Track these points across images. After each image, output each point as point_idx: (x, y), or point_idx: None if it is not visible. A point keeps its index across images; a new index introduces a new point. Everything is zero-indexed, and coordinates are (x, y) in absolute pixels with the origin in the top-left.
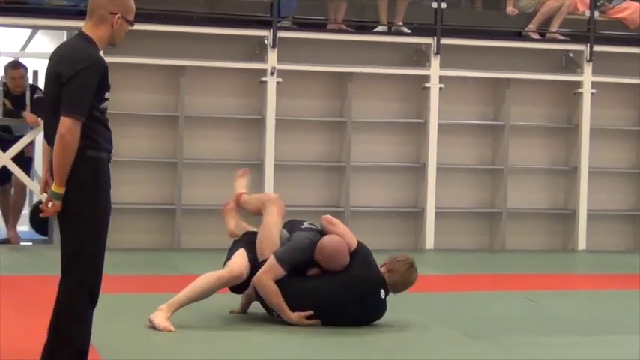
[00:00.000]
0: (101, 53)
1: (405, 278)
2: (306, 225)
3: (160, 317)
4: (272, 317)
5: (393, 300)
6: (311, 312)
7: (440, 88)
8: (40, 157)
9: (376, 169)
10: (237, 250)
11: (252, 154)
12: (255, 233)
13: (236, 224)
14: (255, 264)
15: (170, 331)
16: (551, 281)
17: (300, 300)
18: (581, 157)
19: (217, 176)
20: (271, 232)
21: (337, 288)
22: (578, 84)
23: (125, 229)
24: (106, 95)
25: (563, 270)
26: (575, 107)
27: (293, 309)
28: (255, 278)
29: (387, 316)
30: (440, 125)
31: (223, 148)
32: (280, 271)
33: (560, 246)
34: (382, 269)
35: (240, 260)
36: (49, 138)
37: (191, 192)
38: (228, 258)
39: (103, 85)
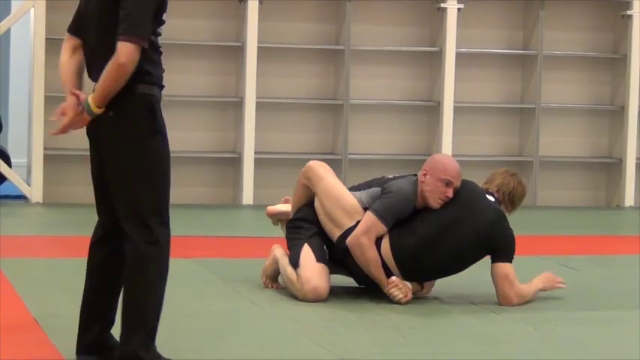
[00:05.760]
0: None
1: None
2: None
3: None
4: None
5: None
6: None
7: (458, 8)
8: None
9: (380, 108)
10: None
11: (229, 90)
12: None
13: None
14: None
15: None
16: (592, 244)
17: (415, 264)
18: (629, 93)
19: (185, 117)
20: (339, 198)
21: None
22: (627, 5)
23: None
24: (164, 17)
25: (606, 231)
26: (622, 33)
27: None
28: (351, 241)
29: None
30: (458, 54)
31: (193, 82)
32: (382, 229)
33: (603, 202)
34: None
35: (323, 281)
36: (95, 74)
37: None
38: (291, 250)
39: (163, 2)
